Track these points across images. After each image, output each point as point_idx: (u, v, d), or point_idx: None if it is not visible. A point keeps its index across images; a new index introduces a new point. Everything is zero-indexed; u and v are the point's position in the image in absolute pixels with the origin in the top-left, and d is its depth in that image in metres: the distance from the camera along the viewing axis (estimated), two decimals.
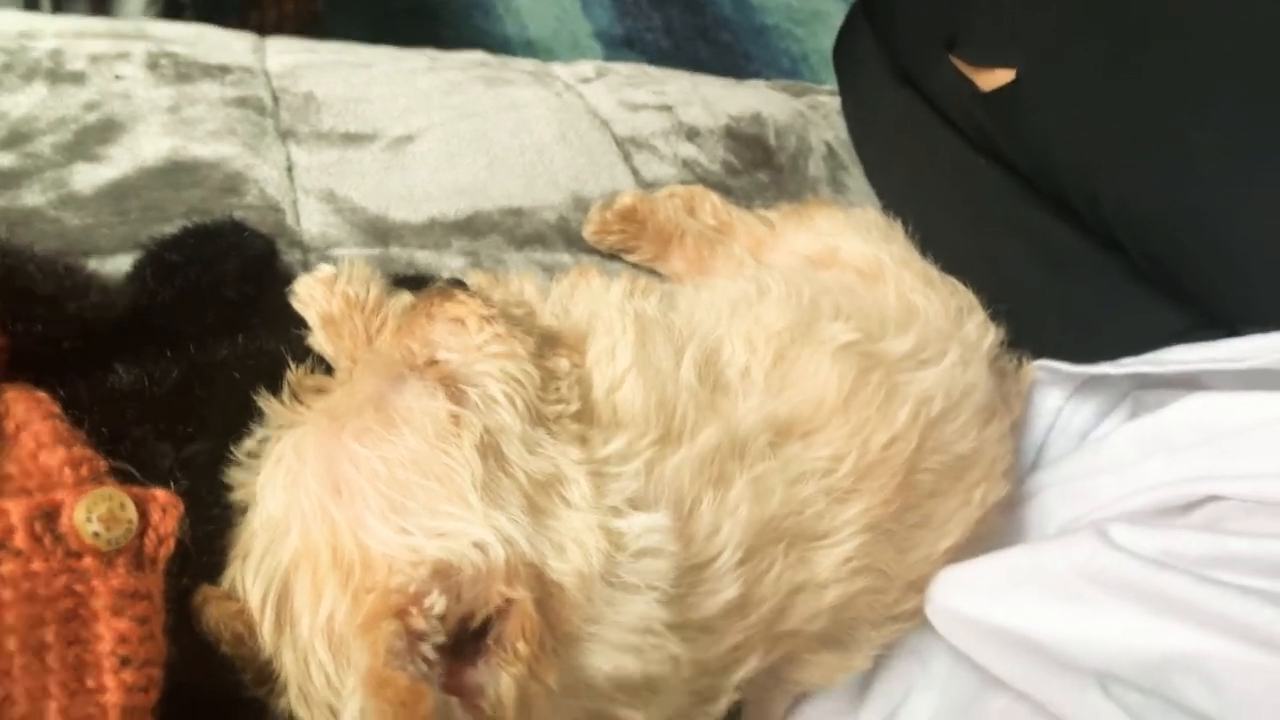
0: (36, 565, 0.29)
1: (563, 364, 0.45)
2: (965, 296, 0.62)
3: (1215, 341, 0.58)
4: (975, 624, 0.47)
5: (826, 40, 2.75)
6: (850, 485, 0.47)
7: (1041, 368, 0.64)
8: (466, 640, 0.36)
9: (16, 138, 0.63)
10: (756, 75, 2.36)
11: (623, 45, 2.26)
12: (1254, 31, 0.61)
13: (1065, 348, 0.69)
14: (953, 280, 0.64)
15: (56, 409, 0.36)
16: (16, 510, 0.30)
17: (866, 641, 0.50)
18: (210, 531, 0.38)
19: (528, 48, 2.16)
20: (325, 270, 0.50)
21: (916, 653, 0.53)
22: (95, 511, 0.32)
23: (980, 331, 0.59)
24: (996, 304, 0.66)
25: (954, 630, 0.49)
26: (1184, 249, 0.63)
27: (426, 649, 0.35)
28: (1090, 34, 0.67)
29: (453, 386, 0.41)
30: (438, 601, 0.35)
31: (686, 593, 0.42)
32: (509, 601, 0.36)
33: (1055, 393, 0.64)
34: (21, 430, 0.34)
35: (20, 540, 0.30)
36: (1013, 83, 0.70)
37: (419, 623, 0.35)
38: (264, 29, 1.94)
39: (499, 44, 2.14)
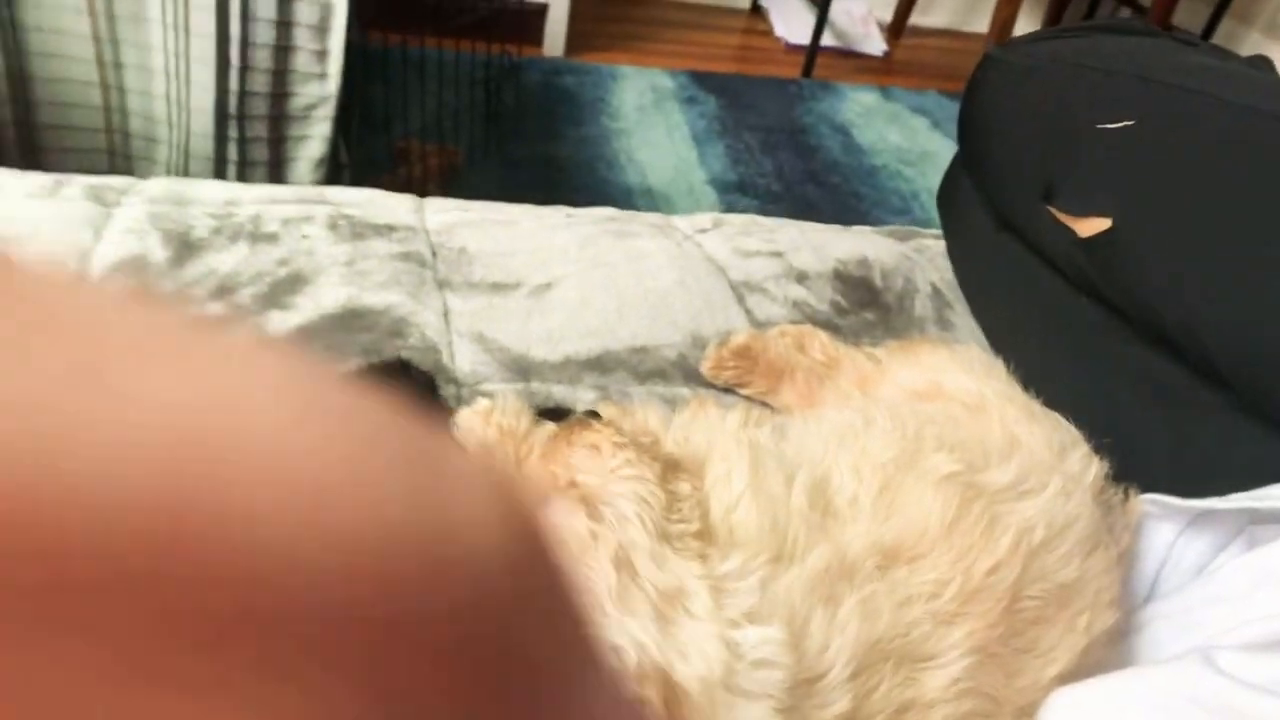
0: None
1: (684, 487, 0.50)
2: (1068, 432, 0.65)
3: None
4: None
5: (936, 179, 2.82)
6: (955, 609, 0.50)
7: (1151, 502, 0.65)
8: None
9: (224, 290, 0.75)
10: (867, 214, 2.45)
11: (736, 191, 2.39)
12: None
13: (1176, 482, 0.70)
14: (1055, 415, 0.67)
15: None
16: None
17: None
18: None
19: (648, 195, 2.31)
20: (483, 404, 0.57)
21: None
22: None
23: (1083, 464, 0.62)
24: (1103, 438, 0.68)
25: None
26: None
27: None
28: (1182, 186, 0.70)
29: (591, 506, 0.47)
30: None
31: (799, 704, 0.45)
32: (640, 701, 0.41)
33: (1167, 527, 0.65)
34: None
35: None
36: (1109, 230, 0.74)
37: None
38: (411, 180, 2.15)
39: (621, 192, 2.31)
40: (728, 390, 0.77)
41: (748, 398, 0.77)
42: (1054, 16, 3.20)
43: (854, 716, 0.46)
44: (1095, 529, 0.57)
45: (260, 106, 1.54)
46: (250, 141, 1.57)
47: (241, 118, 1.54)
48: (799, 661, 0.45)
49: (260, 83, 1.52)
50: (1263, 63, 0.84)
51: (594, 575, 0.43)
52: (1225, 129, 0.69)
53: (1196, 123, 0.71)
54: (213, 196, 0.87)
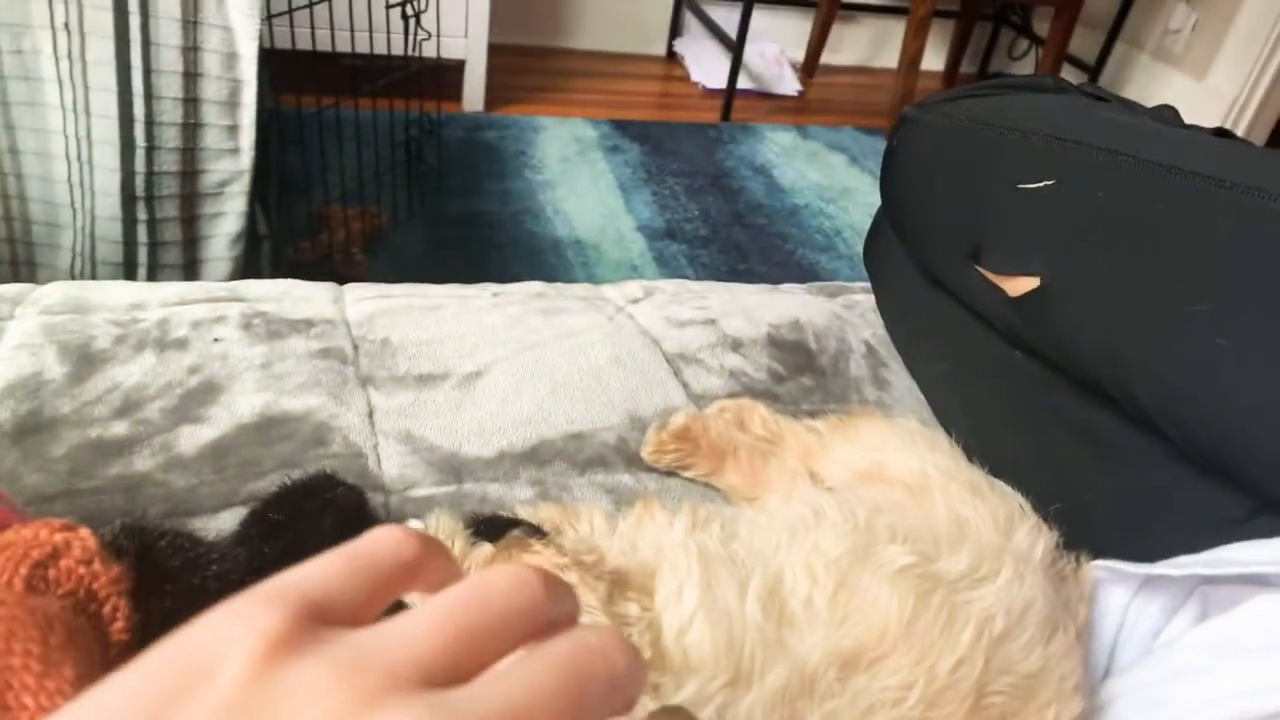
0: None
1: (633, 609, 0.48)
2: (1013, 502, 0.64)
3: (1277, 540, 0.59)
4: None
5: (857, 215, 2.87)
6: (921, 714, 0.48)
7: (1101, 568, 0.65)
8: None
9: (129, 406, 0.70)
10: (794, 253, 2.48)
11: (665, 236, 2.39)
12: (1270, 240, 0.64)
13: (1123, 537, 0.70)
14: (1000, 485, 0.66)
15: None
16: None
17: None
18: None
19: (577, 245, 2.30)
20: (412, 526, 0.54)
21: None
22: None
23: (1032, 539, 0.61)
24: (1049, 499, 0.67)
25: None
26: (1226, 441, 0.65)
27: None
28: (1105, 243, 0.71)
29: None
30: None
31: None
32: None
33: (1119, 591, 0.65)
34: None
35: None
36: (1039, 289, 0.75)
37: None
38: (333, 245, 2.10)
39: (549, 244, 2.29)
40: (670, 474, 0.75)
41: (691, 479, 0.74)
42: (957, 49, 3.31)
43: None
44: (1052, 610, 0.56)
45: (170, 186, 1.49)
46: (161, 222, 1.51)
47: (151, 198, 1.49)
48: None
49: (169, 162, 1.47)
50: (1169, 113, 0.86)
51: None
52: (1140, 186, 0.70)
53: (1114, 181, 0.72)
54: (116, 300, 0.82)
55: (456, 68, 2.64)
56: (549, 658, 0.20)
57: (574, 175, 2.59)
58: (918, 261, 0.91)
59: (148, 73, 1.39)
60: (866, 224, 2.89)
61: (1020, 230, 0.76)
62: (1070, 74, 3.18)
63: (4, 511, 0.48)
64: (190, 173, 1.50)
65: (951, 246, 0.82)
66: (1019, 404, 0.82)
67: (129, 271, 1.46)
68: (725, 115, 2.93)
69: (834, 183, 2.73)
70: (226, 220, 1.58)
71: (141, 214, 1.49)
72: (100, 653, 0.40)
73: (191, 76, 1.42)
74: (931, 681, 0.49)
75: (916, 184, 0.88)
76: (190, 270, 1.53)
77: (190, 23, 1.38)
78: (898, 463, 0.65)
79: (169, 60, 1.39)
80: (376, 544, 0.23)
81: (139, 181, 1.46)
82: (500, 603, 0.22)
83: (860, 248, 2.51)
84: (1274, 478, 0.64)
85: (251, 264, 1.61)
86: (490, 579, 0.22)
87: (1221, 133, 0.83)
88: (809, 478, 0.72)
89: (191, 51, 1.40)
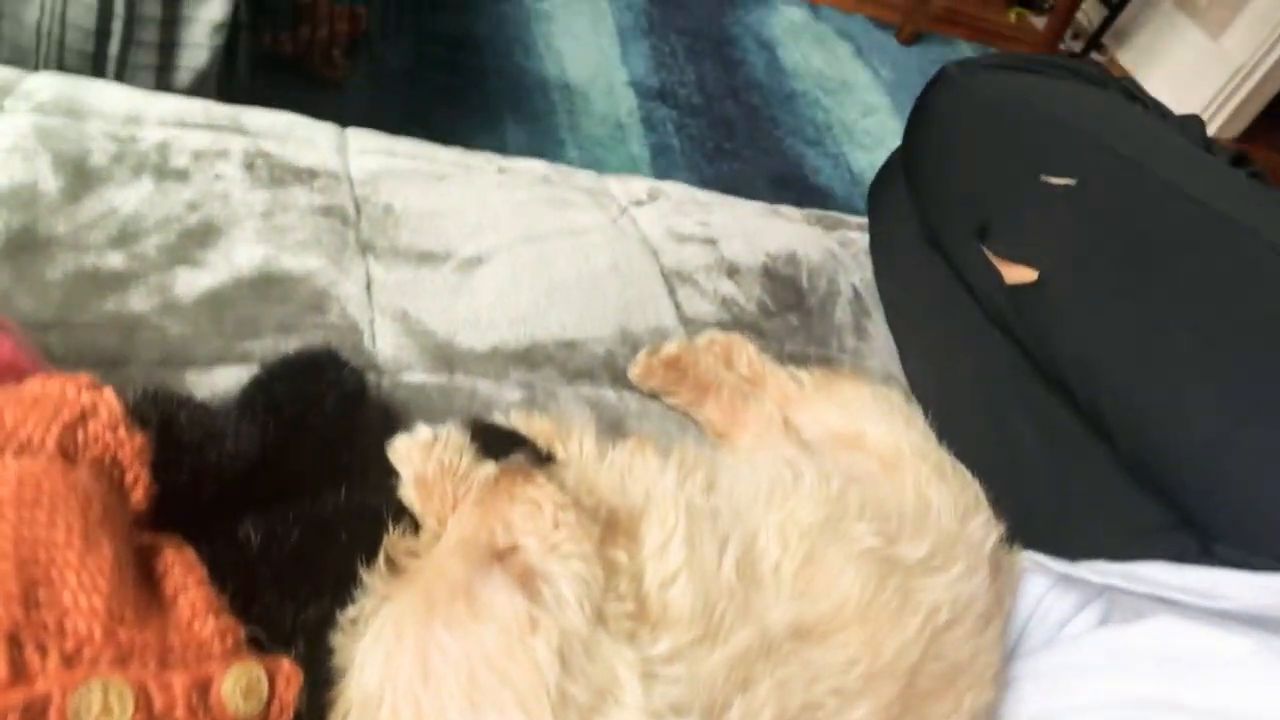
0: None
1: (621, 556, 0.51)
2: (971, 491, 0.68)
3: (1191, 567, 0.65)
4: None
5: (852, 112, 2.80)
6: (859, 688, 0.53)
7: (1029, 559, 0.70)
8: None
9: (126, 237, 0.68)
10: (782, 142, 2.44)
11: (656, 98, 2.32)
12: (1260, 287, 0.67)
13: (1057, 524, 0.76)
14: (963, 472, 0.70)
15: (204, 572, 0.41)
16: (179, 684, 0.36)
17: None
18: (313, 692, 0.43)
19: (565, 90, 2.23)
20: (424, 434, 0.55)
21: None
22: (239, 684, 0.37)
23: (985, 532, 0.65)
24: (998, 476, 0.71)
25: None
26: (1171, 460, 0.70)
27: None
28: (1109, 255, 0.73)
29: (529, 582, 0.47)
30: None
31: None
32: None
33: (1039, 580, 0.71)
34: (179, 595, 0.39)
35: (180, 713, 0.35)
36: (1034, 283, 0.77)
37: None
38: (314, 42, 1.99)
39: (537, 82, 2.21)
40: (653, 397, 0.77)
41: (671, 407, 0.77)
42: None
43: None
44: (989, 605, 0.61)
45: None
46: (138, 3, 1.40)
47: None
48: None
49: None
50: (1196, 125, 0.87)
51: (527, 670, 0.43)
52: (1157, 207, 0.72)
53: (1133, 196, 0.73)
54: (113, 108, 0.78)
55: None
56: None
57: (573, 11, 2.47)
58: (923, 216, 0.91)
59: None
60: (859, 121, 2.83)
61: (1033, 221, 0.78)
62: (1092, 7, 3.11)
63: (21, 356, 0.48)
64: None
65: (962, 217, 0.83)
66: (987, 376, 0.86)
67: (98, 64, 1.35)
68: None
69: (836, 74, 2.66)
70: (212, 4, 1.47)
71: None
72: (123, 521, 0.41)
73: None
74: (875, 661, 0.54)
75: (943, 145, 0.87)
76: (166, 54, 1.43)
77: None
78: (876, 435, 0.69)
79: None
80: None
81: None
82: None
83: (849, 146, 2.46)
84: (1199, 501, 0.69)
85: (229, 55, 1.52)
86: None
87: (1240, 158, 0.85)
88: (784, 425, 0.75)
89: None
